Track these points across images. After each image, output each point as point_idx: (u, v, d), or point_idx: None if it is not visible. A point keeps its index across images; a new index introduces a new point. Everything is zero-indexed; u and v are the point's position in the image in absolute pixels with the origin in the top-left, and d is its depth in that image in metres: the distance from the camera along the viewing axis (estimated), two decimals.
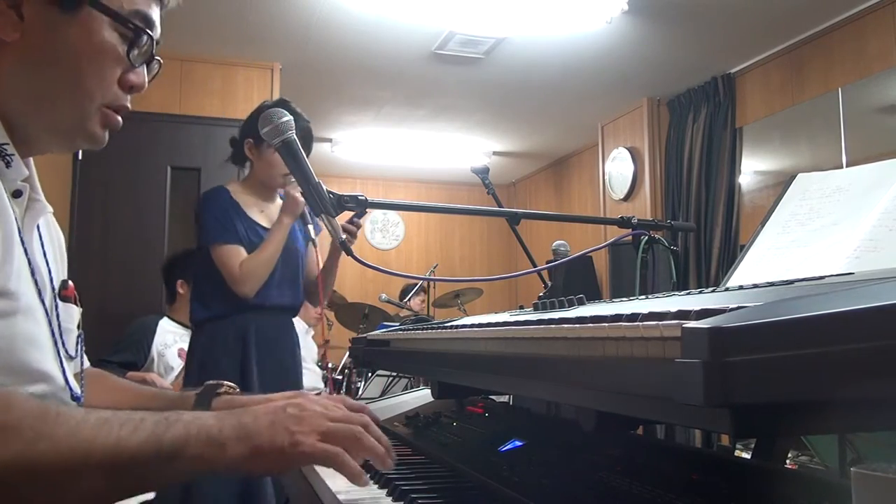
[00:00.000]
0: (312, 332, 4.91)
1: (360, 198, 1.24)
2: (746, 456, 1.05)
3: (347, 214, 1.26)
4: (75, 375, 0.95)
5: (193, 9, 3.79)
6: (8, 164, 0.83)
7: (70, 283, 0.97)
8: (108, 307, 3.70)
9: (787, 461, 1.04)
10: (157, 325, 3.46)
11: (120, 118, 0.93)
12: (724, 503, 0.65)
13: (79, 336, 0.97)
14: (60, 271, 0.98)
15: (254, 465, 0.74)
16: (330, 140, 6.25)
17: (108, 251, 3.91)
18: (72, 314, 0.95)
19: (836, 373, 0.43)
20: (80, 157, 4.01)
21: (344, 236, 1.26)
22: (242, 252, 2.28)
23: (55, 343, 0.87)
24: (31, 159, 0.93)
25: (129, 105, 0.93)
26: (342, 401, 0.92)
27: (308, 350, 4.82)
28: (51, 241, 0.98)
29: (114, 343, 3.26)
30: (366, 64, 4.57)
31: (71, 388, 0.90)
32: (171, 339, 3.42)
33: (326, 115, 5.61)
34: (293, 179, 2.32)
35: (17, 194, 0.85)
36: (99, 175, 4.04)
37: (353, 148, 6.36)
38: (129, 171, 4.15)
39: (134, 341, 3.34)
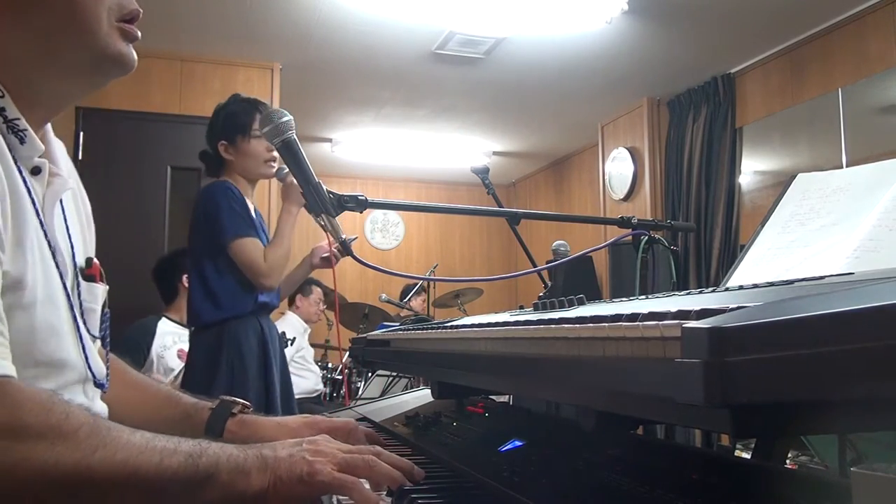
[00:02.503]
0: (310, 331, 4.93)
1: (360, 198, 1.24)
2: (746, 456, 1.05)
3: (347, 215, 1.26)
4: (100, 355, 0.94)
5: (194, 9, 3.79)
6: (22, 141, 0.79)
7: (95, 261, 0.94)
8: (109, 307, 3.69)
9: (787, 461, 1.04)
10: (155, 326, 3.45)
11: (136, 30, 0.87)
12: (724, 503, 0.65)
13: (104, 314, 0.95)
14: (88, 248, 0.96)
15: (274, 495, 0.76)
16: (330, 140, 6.25)
17: (107, 251, 3.91)
18: (96, 293, 0.93)
19: (836, 373, 0.43)
20: (80, 156, 4.01)
21: (344, 236, 1.26)
22: (261, 245, 2.30)
23: (77, 328, 0.86)
24: (51, 134, 0.89)
25: (139, 9, 0.88)
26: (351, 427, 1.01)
27: (308, 350, 4.83)
28: (77, 215, 0.95)
29: (112, 345, 3.25)
30: (366, 64, 4.57)
31: (94, 375, 0.89)
32: (170, 341, 3.41)
33: (326, 115, 5.61)
34: (275, 165, 2.37)
35: (35, 171, 0.82)
36: (99, 175, 4.04)
37: (353, 148, 6.36)
38: (129, 171, 4.15)
39: (133, 344, 3.32)
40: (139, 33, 0.87)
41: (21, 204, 0.77)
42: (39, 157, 0.83)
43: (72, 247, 0.89)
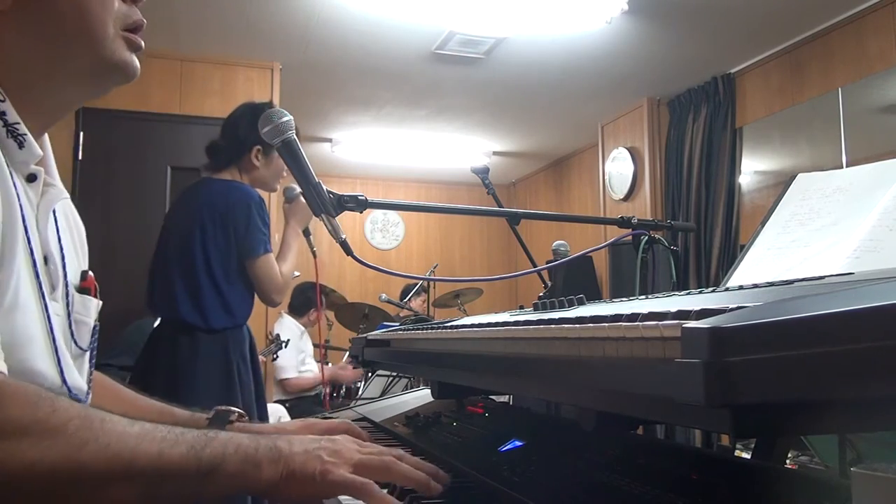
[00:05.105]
0: (306, 333, 4.93)
1: (360, 198, 1.24)
2: (746, 456, 1.05)
3: (347, 215, 1.26)
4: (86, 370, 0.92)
5: (193, 8, 3.79)
6: (21, 145, 0.79)
7: (90, 274, 0.94)
8: (108, 307, 3.67)
9: (787, 461, 1.04)
10: (151, 327, 3.44)
11: (141, 40, 0.88)
12: (724, 503, 0.65)
13: (94, 327, 0.94)
14: (80, 261, 0.95)
15: (285, 489, 0.75)
16: (330, 140, 6.25)
17: (107, 251, 3.91)
18: (89, 307, 0.92)
19: (836, 373, 0.43)
20: (80, 156, 4.01)
21: (344, 236, 1.26)
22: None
23: (53, 340, 0.84)
24: (46, 140, 0.89)
25: (143, 19, 0.89)
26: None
27: (308, 351, 4.83)
28: (69, 229, 0.94)
29: (110, 345, 3.24)
30: (366, 64, 4.57)
31: (69, 388, 0.86)
32: None
33: (326, 115, 5.61)
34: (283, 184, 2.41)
35: (31, 178, 0.82)
36: (99, 175, 4.04)
37: (353, 148, 6.35)
38: (129, 171, 4.15)
39: (132, 344, 3.32)
40: (143, 43, 0.88)
41: (11, 212, 0.76)
42: (36, 164, 0.82)
43: (63, 257, 0.88)
